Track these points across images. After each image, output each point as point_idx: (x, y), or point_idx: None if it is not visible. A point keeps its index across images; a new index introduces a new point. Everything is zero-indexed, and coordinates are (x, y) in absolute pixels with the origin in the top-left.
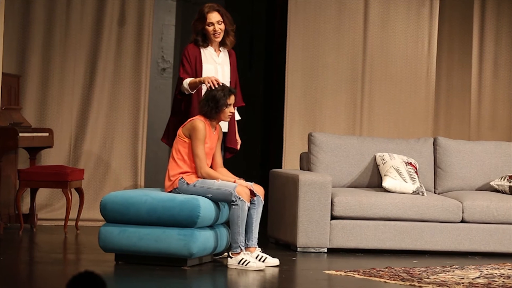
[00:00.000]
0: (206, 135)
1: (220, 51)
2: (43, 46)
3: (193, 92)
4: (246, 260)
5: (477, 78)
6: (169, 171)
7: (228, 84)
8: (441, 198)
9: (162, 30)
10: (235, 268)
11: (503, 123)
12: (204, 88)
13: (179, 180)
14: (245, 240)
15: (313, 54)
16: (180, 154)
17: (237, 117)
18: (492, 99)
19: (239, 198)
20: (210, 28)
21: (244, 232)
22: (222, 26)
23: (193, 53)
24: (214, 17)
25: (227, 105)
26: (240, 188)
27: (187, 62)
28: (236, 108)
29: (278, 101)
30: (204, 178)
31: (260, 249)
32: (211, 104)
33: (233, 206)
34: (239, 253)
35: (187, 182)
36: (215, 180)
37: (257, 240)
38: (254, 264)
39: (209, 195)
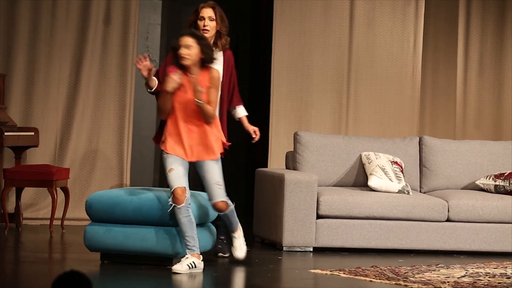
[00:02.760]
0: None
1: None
2: (28, 45)
3: (152, 90)
4: (193, 263)
5: (462, 77)
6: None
7: (219, 85)
8: (427, 197)
9: (147, 29)
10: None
11: (488, 122)
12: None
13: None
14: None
15: (299, 53)
16: None
17: (244, 112)
18: (477, 98)
19: (171, 203)
20: (201, 23)
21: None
22: (213, 24)
23: None
24: (207, 12)
25: (179, 46)
26: (176, 191)
27: (163, 66)
28: (240, 105)
29: (263, 100)
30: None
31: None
32: (174, 53)
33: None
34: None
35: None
36: (168, 169)
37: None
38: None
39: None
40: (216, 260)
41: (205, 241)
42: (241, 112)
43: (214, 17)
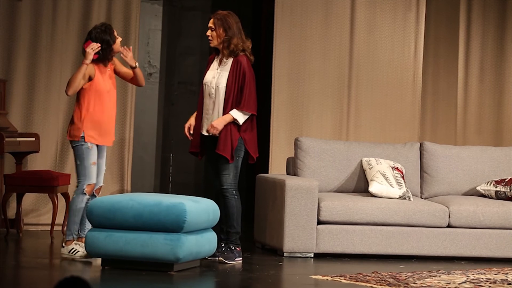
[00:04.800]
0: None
1: (224, 58)
2: (29, 50)
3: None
4: (75, 250)
5: (463, 83)
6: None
7: (223, 89)
8: (428, 203)
9: (148, 35)
10: (66, 257)
11: (489, 128)
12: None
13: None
14: (78, 230)
15: (300, 59)
16: None
17: (233, 113)
18: (478, 104)
19: (83, 191)
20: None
21: (79, 222)
22: (214, 34)
23: (209, 63)
24: (210, 22)
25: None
26: (91, 186)
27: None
28: (239, 109)
29: (264, 106)
30: None
31: None
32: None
33: (75, 195)
34: (72, 241)
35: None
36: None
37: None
38: (83, 253)
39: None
40: (217, 266)
41: (207, 246)
42: (231, 111)
43: (214, 27)
